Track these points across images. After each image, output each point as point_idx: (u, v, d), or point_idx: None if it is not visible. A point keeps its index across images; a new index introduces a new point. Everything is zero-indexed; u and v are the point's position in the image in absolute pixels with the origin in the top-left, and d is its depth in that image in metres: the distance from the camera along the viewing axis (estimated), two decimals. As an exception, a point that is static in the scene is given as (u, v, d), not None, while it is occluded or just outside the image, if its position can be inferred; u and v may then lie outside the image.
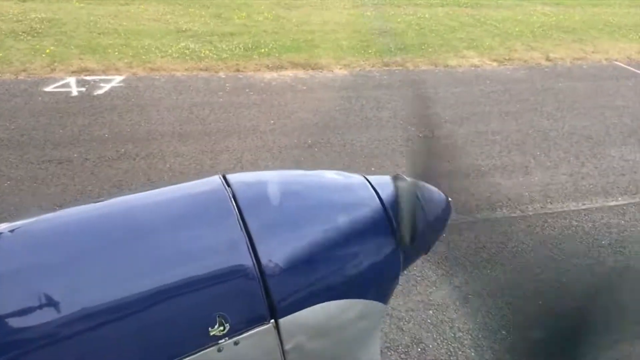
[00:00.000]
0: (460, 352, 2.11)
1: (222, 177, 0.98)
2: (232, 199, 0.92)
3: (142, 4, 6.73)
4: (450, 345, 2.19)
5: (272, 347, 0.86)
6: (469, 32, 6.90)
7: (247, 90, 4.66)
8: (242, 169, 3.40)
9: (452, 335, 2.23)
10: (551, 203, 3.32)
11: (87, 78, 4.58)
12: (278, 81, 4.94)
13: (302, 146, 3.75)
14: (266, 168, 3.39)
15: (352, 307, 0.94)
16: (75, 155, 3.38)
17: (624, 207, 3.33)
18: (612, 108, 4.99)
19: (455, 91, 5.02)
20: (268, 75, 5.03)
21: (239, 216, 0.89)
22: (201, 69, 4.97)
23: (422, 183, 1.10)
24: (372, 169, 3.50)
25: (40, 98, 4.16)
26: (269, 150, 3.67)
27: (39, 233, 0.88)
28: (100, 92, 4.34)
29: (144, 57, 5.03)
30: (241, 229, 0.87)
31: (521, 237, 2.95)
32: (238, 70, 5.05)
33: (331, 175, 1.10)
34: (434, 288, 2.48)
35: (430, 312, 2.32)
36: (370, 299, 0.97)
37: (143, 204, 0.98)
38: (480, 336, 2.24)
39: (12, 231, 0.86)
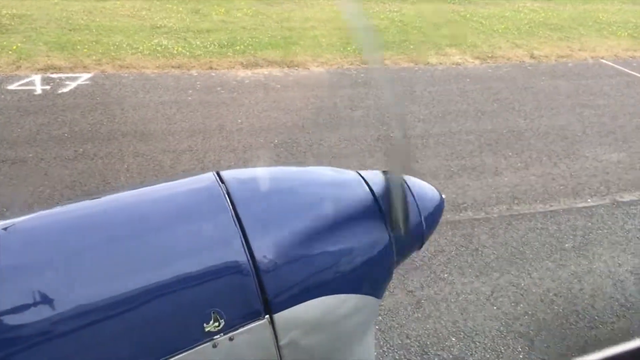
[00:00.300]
0: (404, 361, 2.04)
1: (216, 174, 0.99)
2: (226, 196, 0.92)
3: (120, -1, 6.63)
4: (396, 352, 2.12)
5: (267, 343, 0.87)
6: (452, 29, 6.80)
7: (218, 88, 4.56)
8: (203, 169, 3.32)
9: (400, 342, 2.16)
10: (518, 204, 3.25)
11: (53, 76, 4.48)
12: (251, 79, 4.84)
13: (267, 146, 3.67)
14: (228, 169, 3.31)
15: (346, 302, 0.95)
16: (30, 155, 3.29)
17: (592, 209, 3.26)
18: (592, 107, 4.91)
19: (432, 90, 4.93)
20: (242, 73, 4.94)
21: (233, 212, 0.89)
22: (173, 67, 4.88)
23: (412, 177, 1.13)
24: (337, 169, 3.42)
25: (2, 96, 4.06)
26: (232, 150, 3.58)
27: (33, 230, 0.88)
28: (64, 90, 4.25)
29: (113, 54, 4.93)
30: (235, 225, 0.87)
31: (483, 239, 2.88)
32: (211, 68, 4.96)
33: (325, 171, 1.11)
34: (387, 293, 2.39)
35: (380, 317, 2.24)
36: (364, 294, 0.98)
37: (137, 200, 0.99)
38: (428, 343, 2.17)
39: (6, 229, 0.86)
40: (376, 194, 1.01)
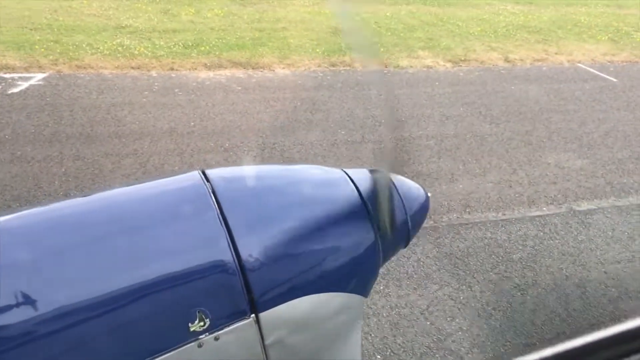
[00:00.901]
0: (319, 383, 1.92)
1: (201, 172, 0.99)
2: (212, 194, 0.92)
3: (88, -2, 6.50)
4: (316, 373, 2.00)
5: (252, 342, 0.87)
6: (427, 32, 6.71)
7: (176, 90, 4.44)
8: (145, 173, 3.20)
9: None
10: (469, 213, 3.14)
11: (5, 76, 4.35)
12: (212, 81, 4.72)
13: (217, 150, 3.55)
14: (173, 173, 3.19)
15: (332, 300, 0.96)
16: (-37, 158, 3.17)
17: (546, 218, 3.15)
18: (561, 112, 4.82)
19: (399, 93, 4.83)
20: (203, 75, 4.82)
21: (218, 211, 0.89)
22: (132, 67, 4.75)
23: (398, 176, 1.13)
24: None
25: (-53, 96, 3.94)
26: (180, 154, 3.46)
27: (14, 229, 0.86)
28: (15, 90, 4.12)
29: (72, 54, 4.80)
30: (221, 224, 0.87)
31: (427, 249, 2.77)
32: (172, 69, 4.84)
33: (311, 170, 1.13)
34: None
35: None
36: (350, 292, 0.98)
37: (122, 199, 0.98)
38: (351, 362, 2.05)
39: None
40: (362, 192, 1.01)
